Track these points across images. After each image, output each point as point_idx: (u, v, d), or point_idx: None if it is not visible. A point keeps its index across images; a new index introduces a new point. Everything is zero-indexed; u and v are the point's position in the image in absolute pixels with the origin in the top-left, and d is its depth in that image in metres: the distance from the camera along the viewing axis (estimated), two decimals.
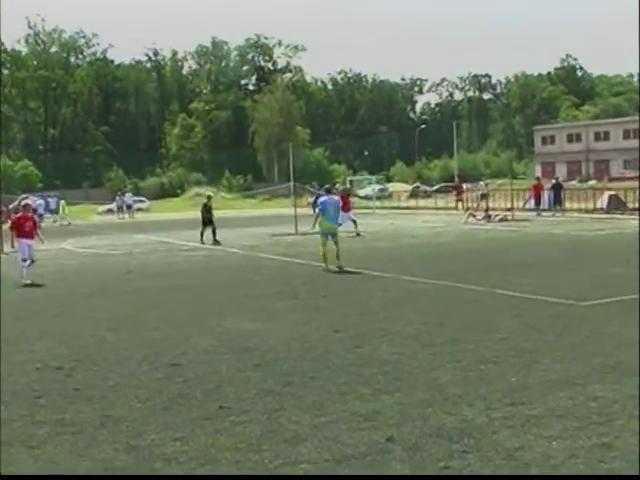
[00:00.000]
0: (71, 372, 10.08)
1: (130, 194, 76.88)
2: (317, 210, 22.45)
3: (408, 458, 6.57)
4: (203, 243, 31.36)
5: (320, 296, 16.45)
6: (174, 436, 7.30)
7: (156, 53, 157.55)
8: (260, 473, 6.37)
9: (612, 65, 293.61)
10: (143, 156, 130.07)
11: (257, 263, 23.90)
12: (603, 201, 46.01)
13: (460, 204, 51.17)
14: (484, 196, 47.22)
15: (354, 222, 33.26)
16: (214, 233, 31.89)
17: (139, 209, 77.15)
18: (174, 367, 10.13)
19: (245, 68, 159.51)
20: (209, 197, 35.56)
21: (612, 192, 48.49)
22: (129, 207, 69.43)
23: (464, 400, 8.19)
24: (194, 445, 7.05)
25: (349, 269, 20.53)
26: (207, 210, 32.68)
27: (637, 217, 36.75)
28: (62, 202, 63.24)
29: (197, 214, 35.54)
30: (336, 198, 22.73)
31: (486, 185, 54.32)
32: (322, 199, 22.08)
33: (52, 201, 68.60)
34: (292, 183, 44.78)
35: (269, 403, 8.32)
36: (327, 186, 24.76)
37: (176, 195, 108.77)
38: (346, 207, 30.92)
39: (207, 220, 32.36)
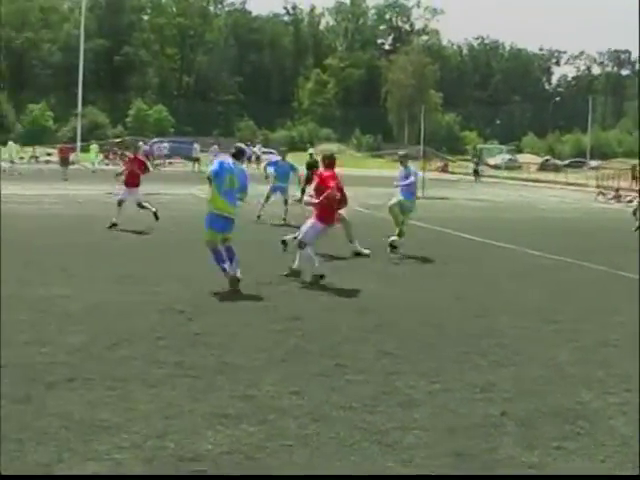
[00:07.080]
0: (191, 316, 10.26)
1: (260, 145, 77.19)
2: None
3: (520, 435, 6.48)
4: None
5: (442, 263, 16.40)
6: (290, 389, 7.33)
7: (294, 7, 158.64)
8: (372, 434, 6.35)
9: None
10: (274, 108, 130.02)
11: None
12: None
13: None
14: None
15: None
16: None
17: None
18: (293, 320, 10.22)
19: (382, 28, 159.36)
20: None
21: None
22: (258, 158, 68.39)
23: (581, 381, 8.07)
24: (309, 400, 7.08)
25: (470, 237, 20.23)
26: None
27: None
28: (93, 146, 61.06)
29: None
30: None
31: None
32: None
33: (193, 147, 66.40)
34: (422, 146, 44.47)
35: (386, 365, 8.33)
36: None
37: (305, 150, 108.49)
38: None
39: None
